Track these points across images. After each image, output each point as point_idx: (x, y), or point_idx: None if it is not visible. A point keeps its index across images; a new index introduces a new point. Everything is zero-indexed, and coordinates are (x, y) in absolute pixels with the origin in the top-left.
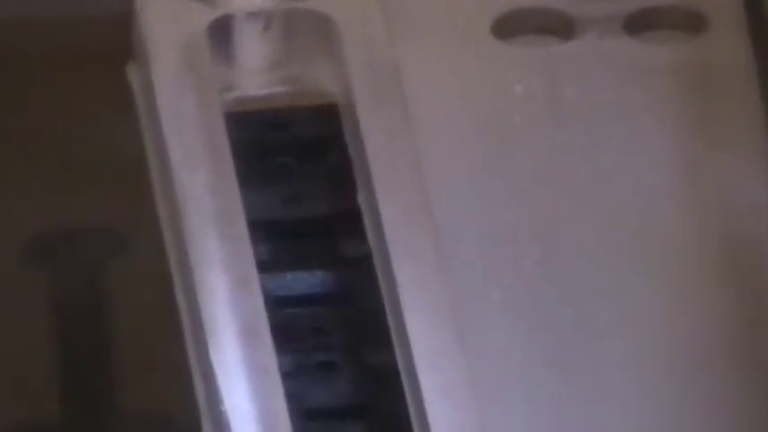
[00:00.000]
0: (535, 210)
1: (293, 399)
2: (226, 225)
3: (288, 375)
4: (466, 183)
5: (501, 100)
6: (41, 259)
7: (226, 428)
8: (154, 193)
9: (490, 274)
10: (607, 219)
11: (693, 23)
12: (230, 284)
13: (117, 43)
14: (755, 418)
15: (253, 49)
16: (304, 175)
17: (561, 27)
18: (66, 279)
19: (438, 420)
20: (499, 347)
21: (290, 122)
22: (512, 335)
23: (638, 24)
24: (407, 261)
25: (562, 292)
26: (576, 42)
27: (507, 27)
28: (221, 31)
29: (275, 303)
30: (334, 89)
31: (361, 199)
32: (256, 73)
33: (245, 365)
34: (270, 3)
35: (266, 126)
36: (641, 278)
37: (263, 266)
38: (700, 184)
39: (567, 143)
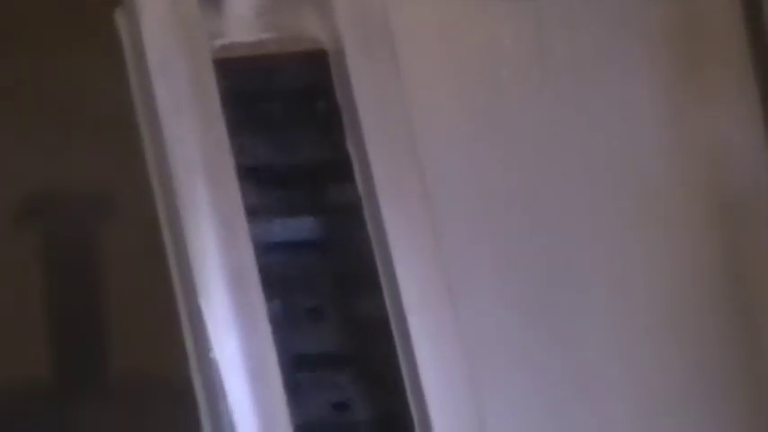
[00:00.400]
0: (524, 162)
1: (282, 345)
2: (214, 171)
3: (276, 322)
4: (454, 135)
5: (489, 53)
6: (34, 219)
7: (215, 375)
8: (141, 139)
9: (478, 221)
10: (596, 171)
11: None
12: (219, 230)
13: None
14: (740, 359)
15: None
16: (293, 122)
17: None
18: (58, 240)
19: (427, 366)
20: (487, 298)
21: (278, 69)
22: (500, 285)
23: None
24: (396, 207)
25: (550, 243)
26: None
27: None
28: None
29: (264, 250)
30: (323, 36)
31: (350, 146)
32: (245, 20)
33: (234, 312)
34: None
35: (254, 73)
36: (630, 226)
37: (252, 213)
38: (687, 132)
39: (556, 96)
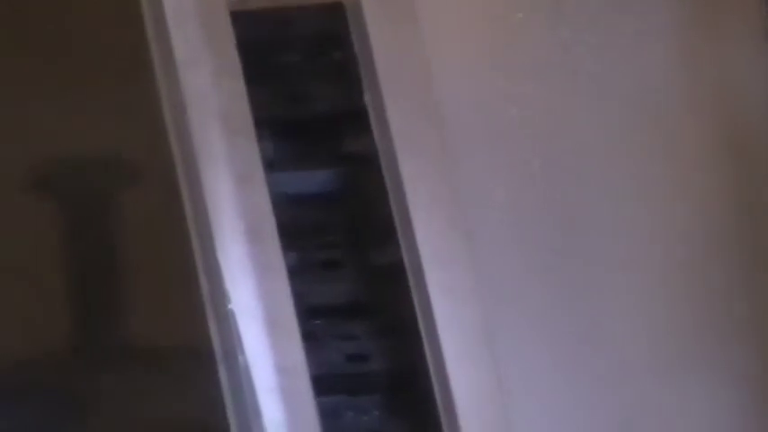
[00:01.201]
0: (539, 108)
1: (299, 297)
2: (231, 122)
3: (293, 273)
4: (471, 81)
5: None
6: (49, 186)
7: (232, 327)
8: (158, 93)
9: (495, 173)
10: (610, 115)
11: None
12: (236, 181)
13: None
14: (752, 305)
15: None
16: (309, 74)
17: None
18: (75, 207)
19: (443, 317)
20: (502, 245)
21: (294, 21)
22: (514, 233)
23: None
24: (414, 158)
25: (566, 191)
26: None
27: None
28: None
29: (281, 202)
30: None
31: (367, 98)
32: None
33: (251, 264)
34: None
35: (271, 25)
36: (643, 171)
37: (269, 164)
38: (699, 73)
39: (571, 39)
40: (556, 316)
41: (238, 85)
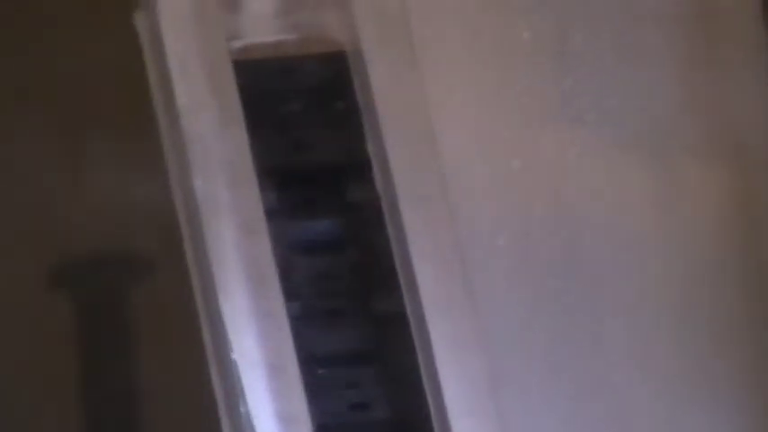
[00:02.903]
0: (542, 156)
1: (302, 345)
2: (233, 171)
3: (296, 322)
4: (473, 128)
5: (508, 47)
6: (64, 287)
7: (235, 376)
8: (161, 139)
9: (497, 220)
10: (613, 162)
11: None
12: (238, 231)
13: None
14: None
15: None
16: (312, 123)
17: None
18: (89, 308)
19: (446, 366)
20: (504, 293)
21: (297, 70)
22: (517, 281)
23: None
24: (416, 207)
25: (569, 238)
26: None
27: None
28: None
29: (283, 251)
30: (342, 37)
31: (370, 146)
32: (264, 20)
33: (253, 312)
34: None
35: (274, 73)
36: (648, 216)
37: (272, 213)
38: (704, 118)
39: (574, 89)
40: (560, 364)
41: (241, 134)
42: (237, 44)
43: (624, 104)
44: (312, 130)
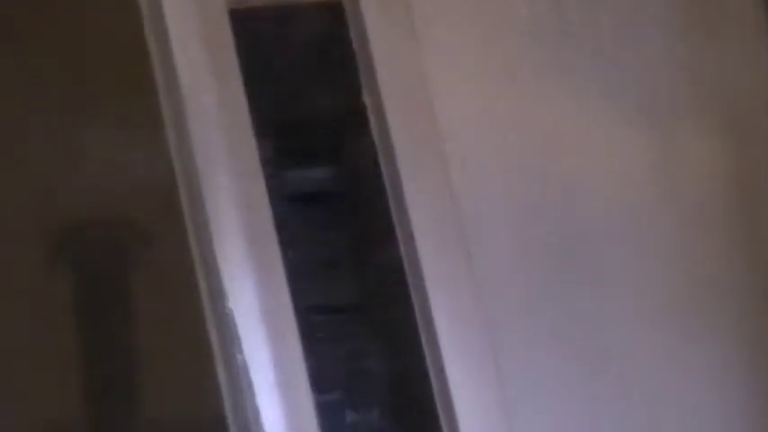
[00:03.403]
0: (542, 128)
1: (298, 294)
2: (230, 121)
3: (292, 272)
4: (473, 104)
5: (507, 23)
6: (63, 258)
7: (231, 326)
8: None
9: (497, 193)
10: (615, 134)
11: None
12: (235, 182)
13: None
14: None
15: None
16: (308, 74)
17: None
18: (88, 279)
19: (442, 316)
20: (506, 263)
21: (293, 20)
22: (519, 250)
23: None
24: (412, 157)
25: (569, 209)
26: None
27: None
28: None
29: (280, 201)
30: None
31: (366, 97)
32: None
33: (249, 262)
34: None
35: (270, 23)
36: (651, 189)
37: (268, 164)
38: (701, 79)
39: (573, 62)
40: (557, 309)
41: (237, 84)
42: None
43: (623, 77)
44: (308, 80)
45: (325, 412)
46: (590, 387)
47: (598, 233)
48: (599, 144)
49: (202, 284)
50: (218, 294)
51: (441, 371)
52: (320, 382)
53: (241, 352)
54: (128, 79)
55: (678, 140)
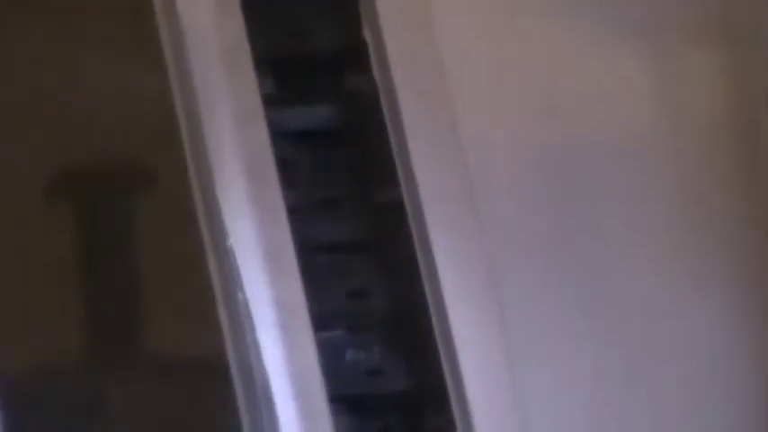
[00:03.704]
0: (541, 45)
1: (299, 233)
2: (230, 58)
3: (293, 210)
4: (473, 18)
5: None
6: (67, 191)
7: (231, 264)
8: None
9: (497, 110)
10: (612, 53)
11: None
12: (236, 119)
13: None
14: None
15: None
16: (308, 9)
17: None
18: (92, 213)
19: (443, 254)
20: (505, 182)
21: None
22: (517, 169)
23: None
24: (413, 93)
25: (567, 130)
26: None
27: None
28: None
29: (280, 138)
30: None
31: (367, 33)
32: None
33: (250, 200)
34: None
35: None
36: (647, 109)
37: (269, 101)
38: (706, 9)
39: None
40: (559, 254)
41: (238, 22)
42: None
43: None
44: (309, 16)
45: (326, 350)
46: (591, 331)
47: (596, 149)
48: (598, 59)
49: (203, 223)
50: (219, 233)
51: (442, 310)
52: (321, 320)
53: (242, 290)
54: (129, 19)
55: (677, 56)
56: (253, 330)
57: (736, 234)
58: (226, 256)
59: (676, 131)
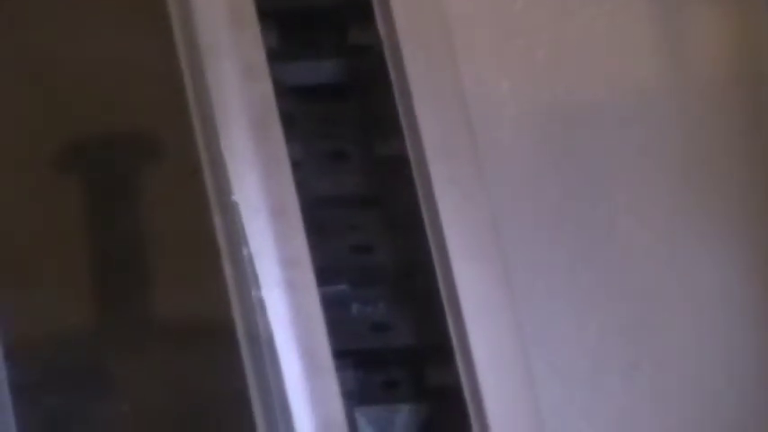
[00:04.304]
0: (545, 21)
1: (303, 188)
2: (235, 12)
3: (297, 164)
4: None
5: None
6: (74, 162)
7: (236, 219)
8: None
9: (501, 64)
10: (618, 6)
11: None
12: (240, 74)
13: None
14: None
15: None
16: None
17: None
18: (99, 185)
19: (448, 209)
20: (509, 138)
21: None
22: (521, 125)
23: None
24: (417, 48)
25: (572, 83)
26: None
27: None
28: None
29: (285, 92)
30: None
31: None
32: None
33: (255, 155)
34: None
35: None
36: (651, 63)
37: (273, 55)
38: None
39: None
40: (566, 210)
41: None
42: None
43: None
44: None
45: (331, 305)
46: (596, 286)
47: (600, 107)
48: (602, 14)
49: (208, 178)
50: (223, 188)
51: (446, 265)
52: (326, 275)
53: (246, 245)
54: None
55: (682, 11)
56: (257, 286)
57: (739, 191)
58: (230, 212)
59: (682, 88)
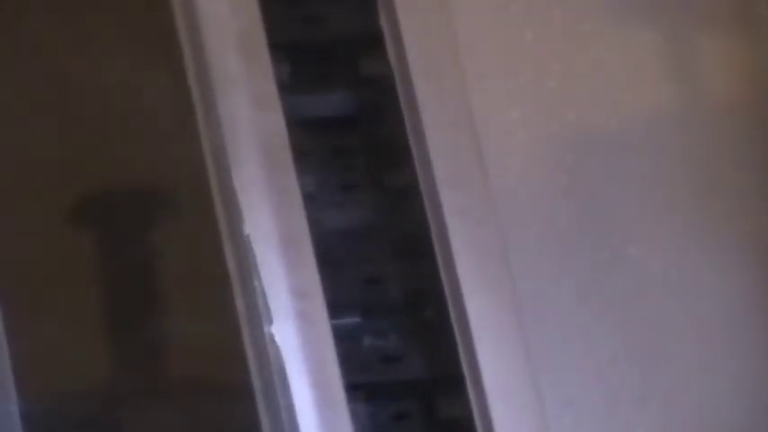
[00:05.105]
0: (555, 28)
1: (314, 220)
2: (247, 45)
3: (309, 197)
4: (486, 3)
5: None
6: (89, 219)
7: (248, 252)
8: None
9: (512, 94)
10: (628, 35)
11: None
12: (251, 106)
13: None
14: None
15: None
16: None
17: None
18: (115, 241)
19: (459, 239)
20: (519, 166)
21: None
22: (531, 154)
23: None
24: (428, 79)
25: (581, 110)
26: None
27: None
28: None
29: (296, 124)
30: None
31: (383, 19)
32: None
33: (266, 187)
34: None
35: None
36: (663, 88)
37: (284, 87)
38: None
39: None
40: (576, 239)
41: (254, 8)
42: None
43: None
44: (324, 2)
45: (343, 338)
46: (606, 316)
47: (611, 134)
48: (612, 43)
49: (220, 211)
50: (235, 221)
51: (458, 296)
52: (337, 307)
53: (258, 278)
54: (144, 5)
55: (692, 38)
56: (269, 319)
57: (750, 219)
58: (242, 245)
59: (690, 117)
